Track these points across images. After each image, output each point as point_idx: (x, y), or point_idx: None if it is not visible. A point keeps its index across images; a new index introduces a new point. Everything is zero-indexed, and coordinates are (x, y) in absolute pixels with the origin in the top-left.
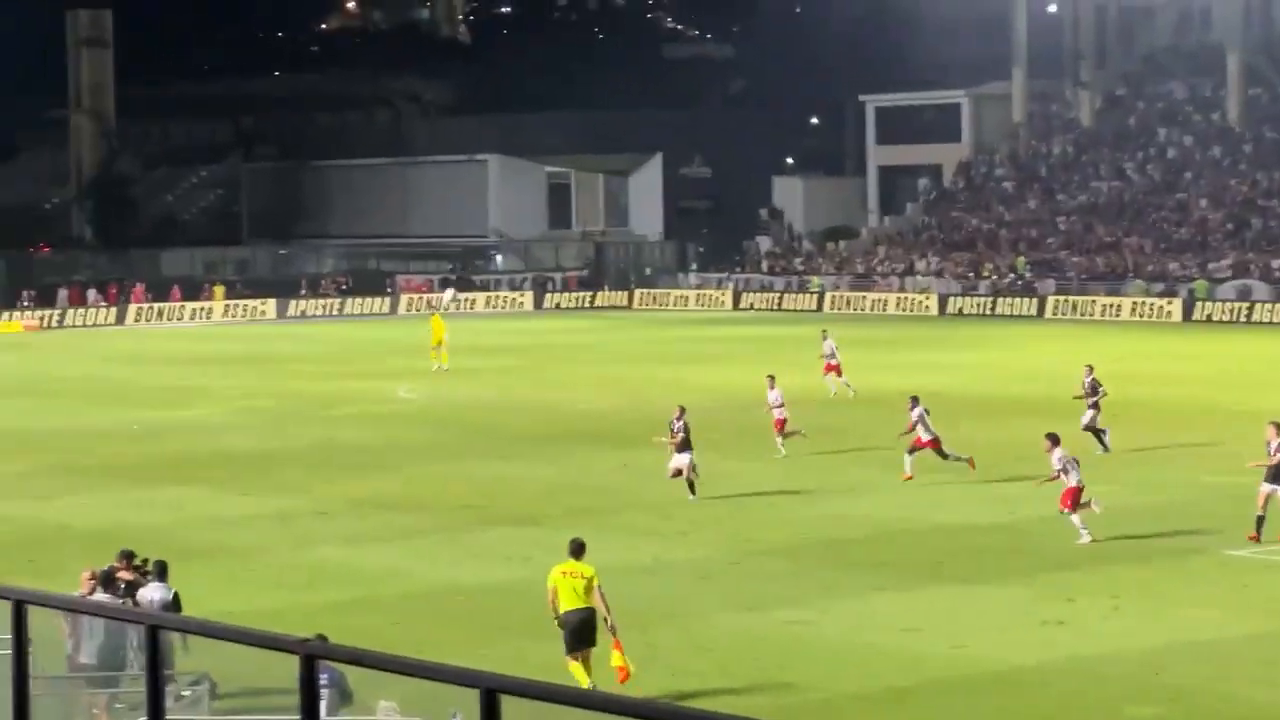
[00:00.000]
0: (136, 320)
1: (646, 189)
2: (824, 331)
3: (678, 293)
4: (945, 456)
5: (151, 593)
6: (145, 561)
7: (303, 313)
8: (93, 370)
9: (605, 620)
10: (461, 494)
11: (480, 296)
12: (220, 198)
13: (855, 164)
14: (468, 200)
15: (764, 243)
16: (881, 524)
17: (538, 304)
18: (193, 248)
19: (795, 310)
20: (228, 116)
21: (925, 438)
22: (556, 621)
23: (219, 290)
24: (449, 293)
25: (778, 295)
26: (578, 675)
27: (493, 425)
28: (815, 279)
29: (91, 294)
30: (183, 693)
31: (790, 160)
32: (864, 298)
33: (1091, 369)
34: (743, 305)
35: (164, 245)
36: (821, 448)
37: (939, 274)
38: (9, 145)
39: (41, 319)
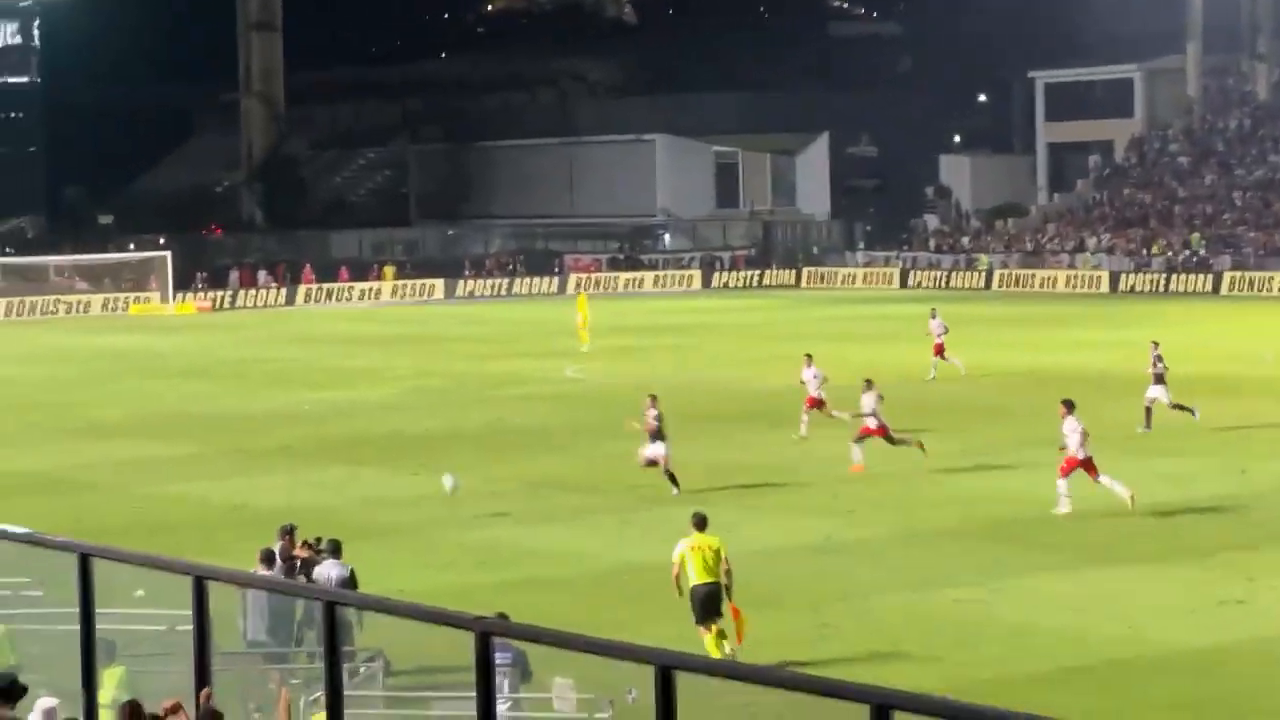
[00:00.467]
0: (306, 301)
1: (814, 168)
2: (933, 310)
3: (845, 271)
4: (894, 443)
5: (329, 570)
6: (318, 540)
7: (470, 293)
8: (264, 352)
9: (728, 590)
10: (631, 473)
11: (648, 276)
12: (388, 179)
13: (1024, 141)
14: (635, 180)
15: (931, 221)
16: (1052, 503)
17: (705, 283)
18: (361, 229)
19: (963, 288)
20: (395, 99)
21: (873, 425)
22: (682, 594)
23: (389, 271)
24: None
25: (945, 273)
26: (710, 646)
27: (663, 405)
28: (983, 257)
29: (262, 275)
30: (359, 669)
31: (957, 138)
32: (1033, 275)
33: (1157, 345)
34: (910, 283)
35: (332, 227)
36: (991, 427)
37: (1110, 251)
38: (184, 129)
39: (214, 300)
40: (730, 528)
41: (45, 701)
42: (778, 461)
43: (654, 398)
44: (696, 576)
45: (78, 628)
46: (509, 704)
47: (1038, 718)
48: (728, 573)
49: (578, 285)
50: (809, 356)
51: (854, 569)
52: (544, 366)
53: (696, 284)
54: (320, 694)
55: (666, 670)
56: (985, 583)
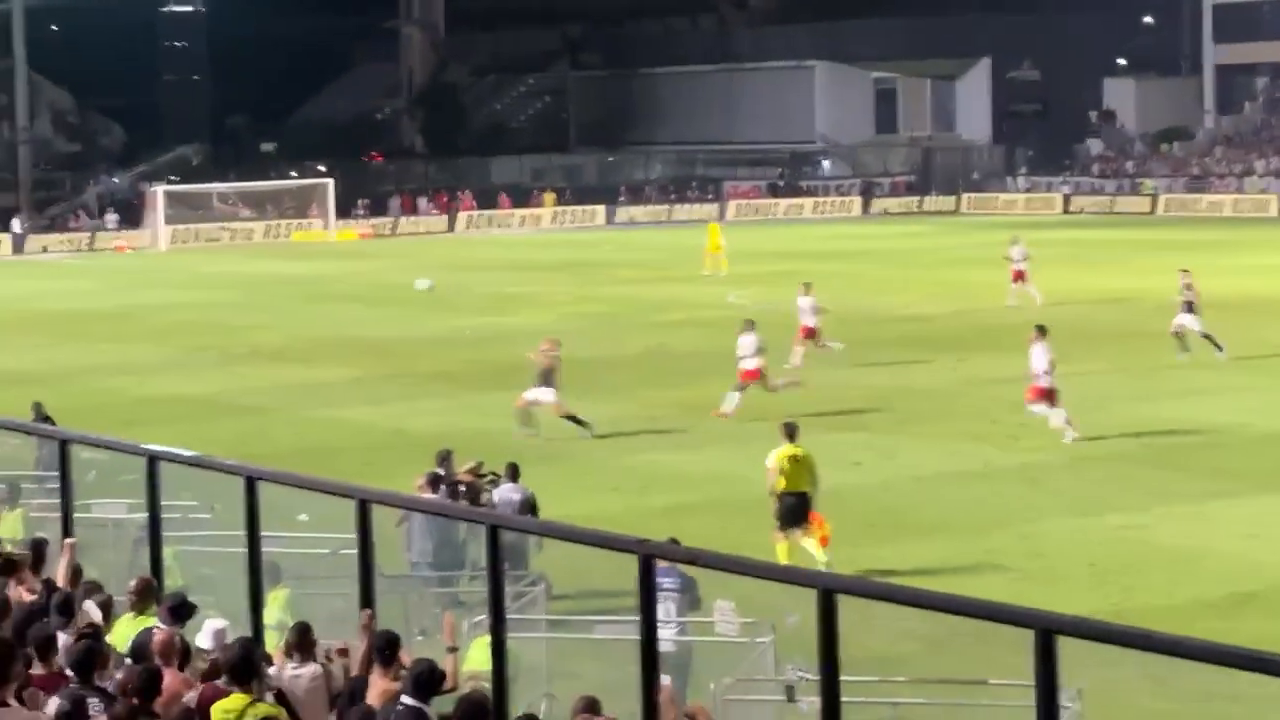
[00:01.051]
0: (467, 228)
1: (974, 93)
2: (1014, 237)
3: (1006, 197)
4: (773, 389)
5: (508, 493)
6: (479, 464)
7: (631, 219)
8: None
9: (812, 498)
10: (791, 399)
11: (807, 202)
12: (548, 105)
13: (1191, 63)
14: (794, 107)
15: (1095, 145)
16: (1220, 430)
17: (865, 209)
18: (521, 155)
19: (1127, 214)
20: (554, 25)
21: (750, 366)
22: (774, 498)
23: (549, 198)
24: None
25: (1109, 199)
26: (781, 553)
27: (823, 330)
28: (1148, 182)
29: (422, 202)
30: (522, 590)
31: (1122, 61)
32: (1199, 200)
33: (1187, 272)
34: (1073, 209)
35: (492, 153)
36: (1153, 352)
37: (1278, 175)
38: (344, 58)
39: (375, 227)
40: (890, 453)
41: (214, 623)
42: (938, 387)
43: (555, 341)
44: (790, 484)
45: (244, 550)
46: (676, 629)
47: (1209, 643)
48: (814, 482)
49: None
50: (806, 285)
51: (1015, 495)
52: (704, 292)
53: (856, 210)
54: (483, 617)
55: (829, 594)
56: (1150, 508)
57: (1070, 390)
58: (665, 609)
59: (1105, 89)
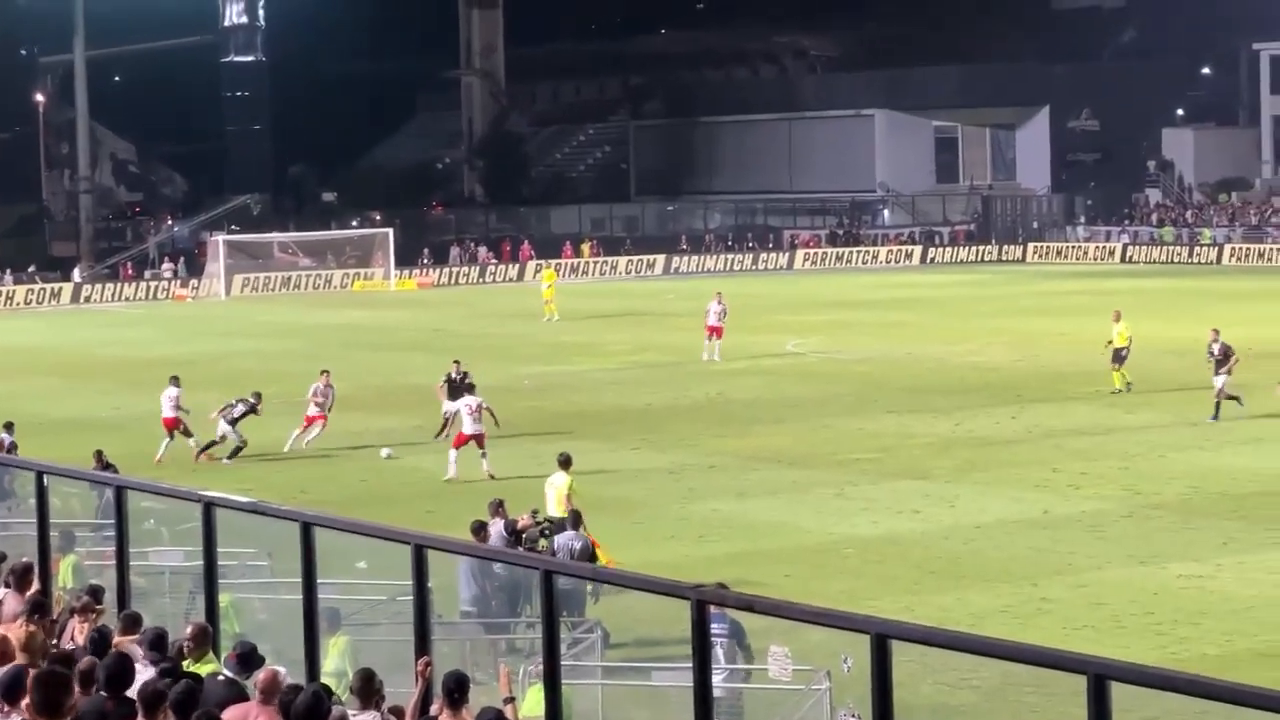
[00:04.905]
0: (533, 276)
1: (1034, 142)
2: (717, 294)
3: (1067, 245)
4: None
5: (569, 540)
6: (535, 513)
7: (691, 268)
8: (485, 327)
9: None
10: (851, 447)
11: (867, 251)
12: (608, 155)
13: (1249, 114)
14: (855, 155)
15: (1154, 195)
16: (1278, 478)
17: (924, 258)
18: (581, 204)
19: (1187, 263)
20: (616, 74)
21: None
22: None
23: (585, 249)
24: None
25: (1169, 248)
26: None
27: (882, 378)
28: (1206, 231)
29: (483, 251)
30: (579, 636)
31: (1181, 111)
32: (1259, 249)
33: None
34: (1132, 258)
35: (552, 203)
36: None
37: None
38: (406, 106)
39: (435, 277)
40: (951, 501)
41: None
42: (999, 435)
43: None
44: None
45: (301, 597)
46: (724, 674)
47: (1267, 691)
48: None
49: (538, 267)
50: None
51: (1074, 543)
52: (763, 341)
53: (915, 259)
54: (539, 664)
55: (883, 639)
56: (1210, 558)
57: (1132, 439)
58: (713, 654)
59: (1164, 139)
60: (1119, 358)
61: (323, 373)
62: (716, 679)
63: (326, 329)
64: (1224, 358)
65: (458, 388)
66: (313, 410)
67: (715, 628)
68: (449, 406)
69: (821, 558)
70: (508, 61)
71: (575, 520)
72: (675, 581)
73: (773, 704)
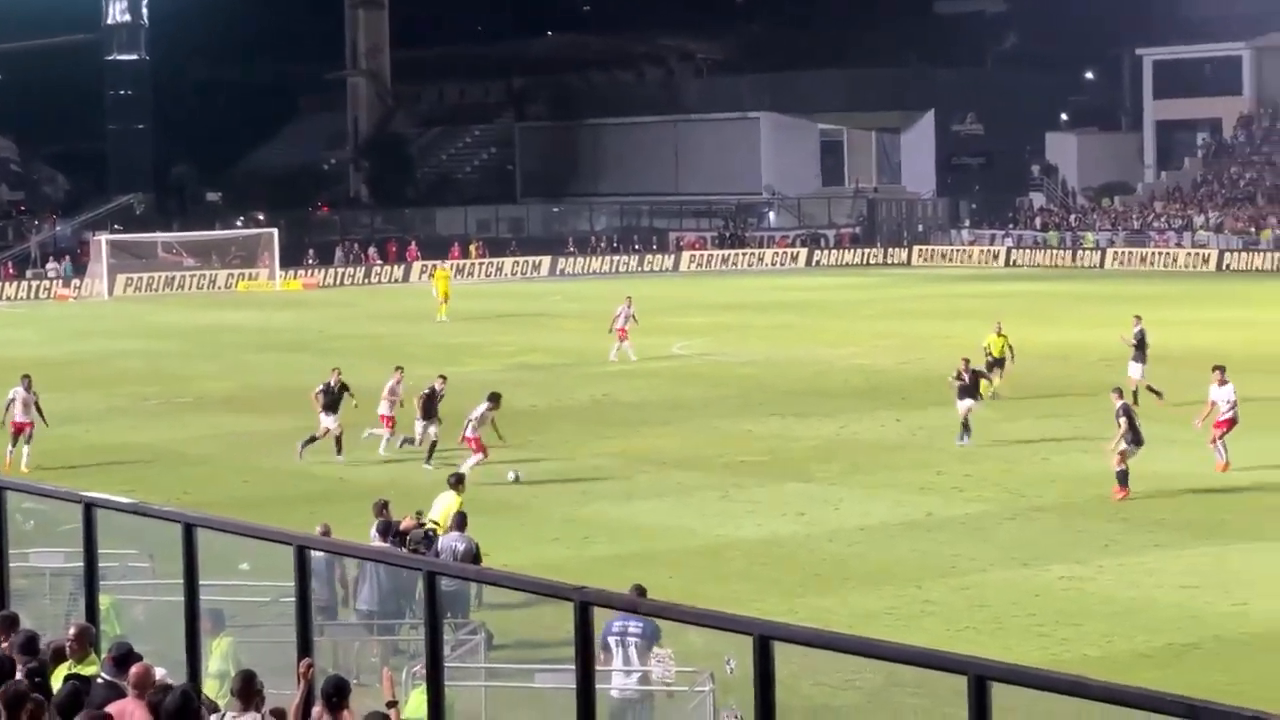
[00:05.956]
0: (419, 277)
1: (919, 146)
2: (627, 298)
3: (951, 248)
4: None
5: (453, 542)
6: (420, 514)
7: (577, 270)
8: (369, 328)
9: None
10: (736, 450)
11: (753, 254)
12: (494, 157)
13: (1131, 119)
14: (740, 158)
15: (1037, 199)
16: (1161, 480)
17: (810, 261)
18: (467, 206)
19: (1070, 266)
20: (501, 77)
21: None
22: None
23: (473, 250)
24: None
25: (1052, 252)
26: None
27: (767, 381)
28: (1089, 235)
29: (370, 252)
30: (463, 637)
31: (1064, 116)
32: (1140, 254)
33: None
34: (1016, 261)
35: (438, 204)
36: (1098, 405)
37: (1218, 230)
38: (290, 107)
39: (320, 277)
40: (836, 503)
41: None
42: (883, 438)
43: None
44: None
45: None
46: (638, 676)
47: (1143, 690)
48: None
49: (433, 266)
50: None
51: (957, 545)
52: (649, 343)
53: (801, 261)
54: (421, 665)
55: (765, 640)
56: (1092, 560)
57: (1014, 442)
58: (626, 655)
59: (1048, 143)
60: (992, 366)
61: (397, 369)
62: (629, 681)
63: (212, 329)
64: (1140, 345)
65: (336, 397)
66: (386, 409)
67: (633, 627)
68: (327, 421)
69: (706, 560)
70: (394, 63)
71: (460, 522)
72: (558, 583)
73: (659, 706)
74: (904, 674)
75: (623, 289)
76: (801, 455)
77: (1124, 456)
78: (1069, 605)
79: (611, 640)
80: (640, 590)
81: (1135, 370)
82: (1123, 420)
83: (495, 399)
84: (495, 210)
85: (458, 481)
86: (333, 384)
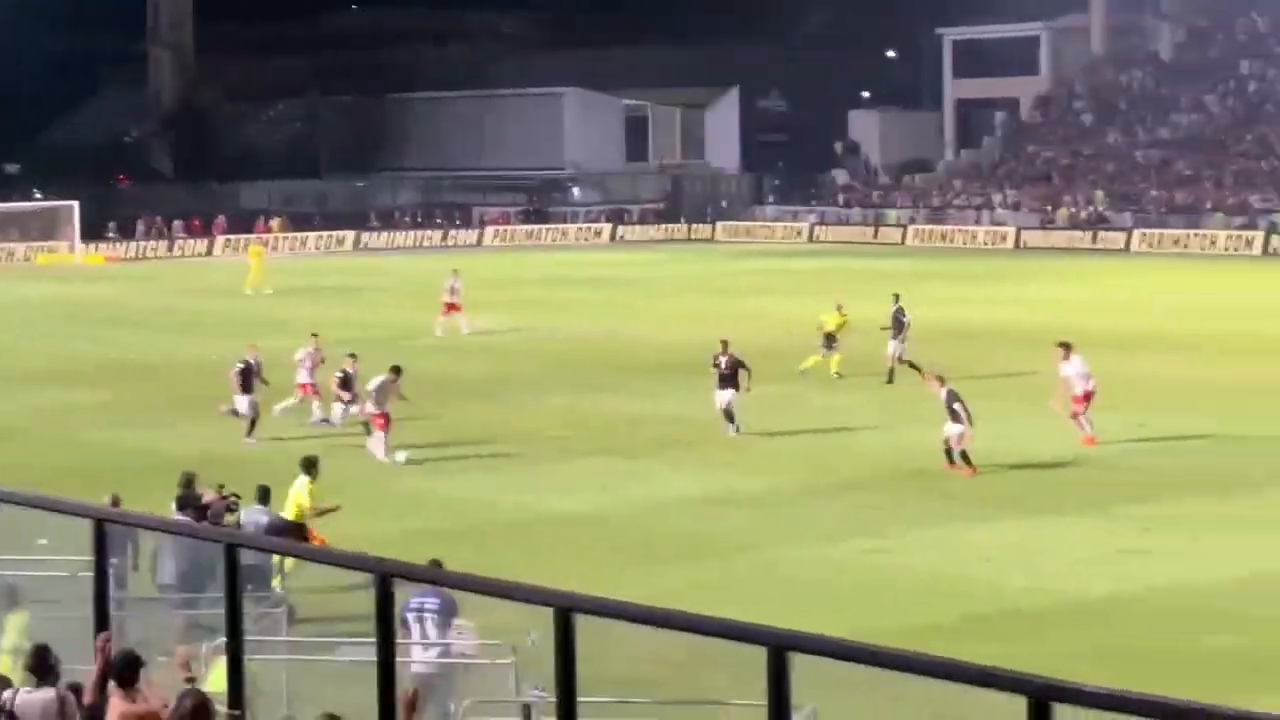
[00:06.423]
0: (224, 251)
1: (723, 122)
2: (453, 271)
3: (754, 225)
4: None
5: (256, 515)
6: (222, 487)
7: (381, 244)
8: (174, 302)
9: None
10: (542, 425)
11: (557, 229)
12: (298, 132)
13: (932, 98)
14: (544, 133)
15: (840, 176)
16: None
17: (613, 236)
18: (271, 181)
19: (872, 243)
20: (306, 51)
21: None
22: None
23: (277, 224)
24: None
25: (855, 228)
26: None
27: (573, 356)
28: (891, 212)
29: (175, 226)
30: (264, 611)
31: (867, 94)
32: (941, 231)
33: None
34: (819, 238)
35: (243, 178)
36: (898, 380)
37: (1016, 208)
38: (92, 80)
39: (124, 251)
40: (641, 478)
41: None
42: (686, 414)
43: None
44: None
45: None
46: (439, 650)
47: (936, 658)
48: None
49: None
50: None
51: (760, 519)
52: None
53: (605, 237)
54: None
55: (566, 613)
56: (892, 533)
57: (817, 417)
58: (425, 630)
59: (850, 121)
60: (830, 343)
61: (312, 336)
62: (428, 655)
63: (11, 303)
64: (898, 323)
65: (253, 376)
66: (304, 377)
67: (430, 602)
68: (242, 402)
69: (512, 534)
70: (197, 36)
71: (263, 495)
72: (358, 555)
73: (462, 679)
74: (706, 646)
75: (426, 264)
76: (607, 430)
77: (957, 438)
78: (870, 578)
79: (410, 616)
80: (437, 564)
81: (892, 347)
82: (957, 405)
83: (397, 371)
84: (300, 185)
85: (309, 465)
86: (252, 361)
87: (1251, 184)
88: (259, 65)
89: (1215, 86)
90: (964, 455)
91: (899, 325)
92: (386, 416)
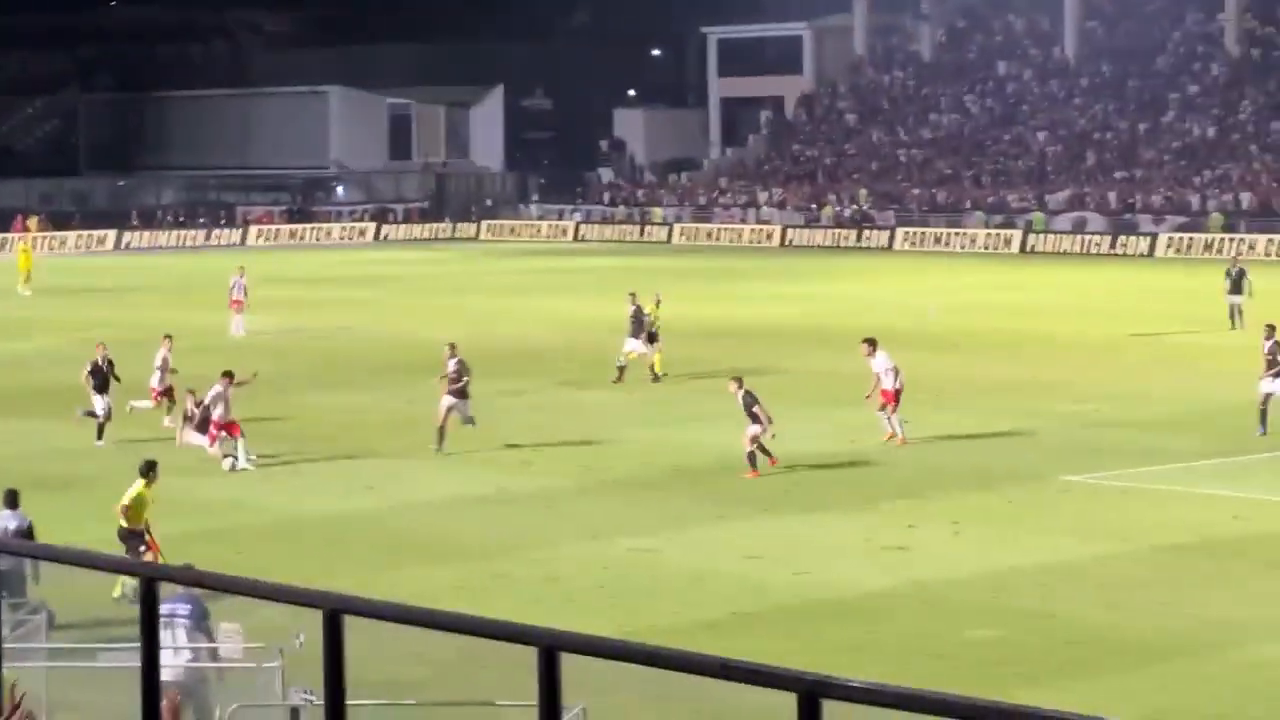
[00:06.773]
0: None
1: (488, 120)
2: (240, 268)
3: (519, 224)
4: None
5: (4, 520)
6: None
7: (143, 244)
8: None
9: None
10: (306, 424)
11: (321, 228)
12: (57, 128)
13: (697, 96)
14: (309, 132)
15: (605, 174)
16: (727, 454)
17: (378, 235)
18: (29, 178)
19: (637, 241)
20: (65, 47)
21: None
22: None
23: (33, 222)
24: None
25: (620, 227)
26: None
27: (337, 356)
28: (657, 210)
29: None
30: (22, 618)
31: (632, 92)
32: (706, 229)
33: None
34: (584, 237)
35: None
36: (669, 378)
37: (781, 206)
38: None
39: None
40: (406, 478)
41: None
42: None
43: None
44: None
45: None
46: (186, 656)
47: (706, 656)
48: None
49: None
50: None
51: (528, 519)
52: (218, 319)
53: (369, 236)
54: None
55: (335, 614)
56: (660, 531)
57: (585, 416)
58: (174, 635)
59: (615, 119)
60: (651, 340)
61: (165, 338)
62: (180, 660)
63: None
64: (639, 322)
65: (106, 376)
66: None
67: (180, 608)
68: (99, 403)
69: (277, 535)
70: None
71: (11, 499)
72: (124, 558)
73: (229, 683)
74: (475, 647)
75: (189, 264)
76: (371, 430)
77: (755, 438)
78: (638, 576)
79: (159, 623)
80: (189, 568)
81: (631, 344)
82: (756, 409)
83: (229, 375)
84: (59, 183)
85: (148, 469)
86: (100, 361)
87: (1009, 183)
88: (17, 61)
89: (974, 86)
90: (762, 448)
91: (639, 324)
92: (234, 423)
